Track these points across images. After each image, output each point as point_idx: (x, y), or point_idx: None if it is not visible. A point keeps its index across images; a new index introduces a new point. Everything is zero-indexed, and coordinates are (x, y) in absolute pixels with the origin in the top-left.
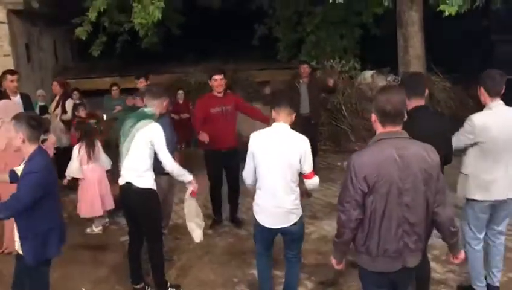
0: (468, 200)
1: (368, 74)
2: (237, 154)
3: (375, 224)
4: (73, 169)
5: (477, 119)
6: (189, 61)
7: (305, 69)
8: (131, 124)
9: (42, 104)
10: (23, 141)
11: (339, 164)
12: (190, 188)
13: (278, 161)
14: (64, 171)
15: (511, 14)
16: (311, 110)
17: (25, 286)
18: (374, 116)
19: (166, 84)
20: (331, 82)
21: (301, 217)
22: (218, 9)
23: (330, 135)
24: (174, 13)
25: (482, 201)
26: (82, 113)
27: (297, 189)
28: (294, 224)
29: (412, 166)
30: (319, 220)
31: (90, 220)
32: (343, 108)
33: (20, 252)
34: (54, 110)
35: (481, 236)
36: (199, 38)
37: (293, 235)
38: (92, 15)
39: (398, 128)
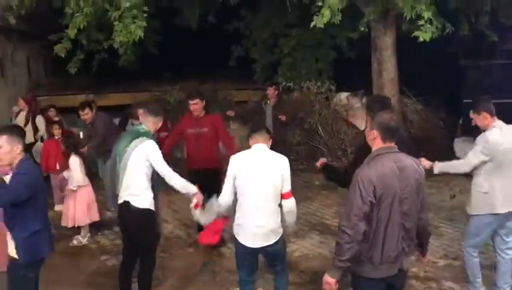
0: (481, 216)
1: (343, 95)
2: (215, 175)
3: (379, 233)
4: (79, 179)
5: (491, 137)
6: (166, 80)
7: (270, 91)
8: (126, 144)
9: None
10: (20, 152)
11: (316, 183)
12: (194, 200)
13: (261, 182)
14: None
15: (478, 40)
16: (275, 131)
17: None
18: (375, 133)
19: (145, 102)
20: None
21: (282, 237)
22: (196, 30)
23: (307, 154)
24: (153, 33)
25: (501, 214)
26: (56, 131)
27: (279, 208)
28: (276, 243)
29: (409, 177)
30: (300, 238)
31: (76, 231)
32: (320, 128)
33: (15, 255)
34: (25, 127)
35: (479, 245)
36: (176, 57)
37: (274, 255)
38: (72, 32)
39: (393, 143)
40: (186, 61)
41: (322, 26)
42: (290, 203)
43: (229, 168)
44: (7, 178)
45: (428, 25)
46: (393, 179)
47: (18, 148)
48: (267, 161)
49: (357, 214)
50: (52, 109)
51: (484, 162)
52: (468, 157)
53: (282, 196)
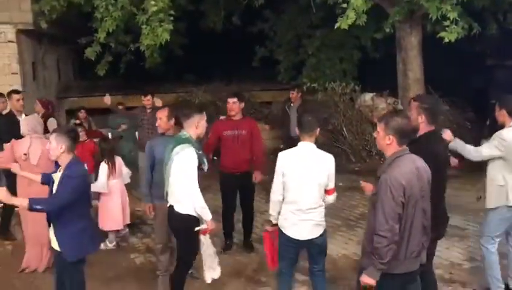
0: (498, 209)
1: (368, 96)
2: (251, 178)
3: (405, 231)
4: (102, 186)
5: (506, 135)
6: (190, 81)
7: (293, 94)
8: (171, 149)
9: None
10: (64, 151)
11: (340, 184)
12: (204, 226)
13: (307, 179)
14: None
15: (506, 39)
16: None
17: (65, 283)
18: (391, 138)
19: (171, 103)
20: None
21: (325, 230)
22: (220, 32)
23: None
24: (178, 35)
25: None
26: (80, 134)
27: (323, 203)
28: (321, 235)
29: (423, 176)
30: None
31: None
32: (344, 129)
33: (58, 248)
34: None
35: (497, 239)
36: (201, 59)
37: (319, 247)
38: (101, 35)
39: (405, 146)
40: (209, 63)
41: (346, 27)
42: (332, 198)
43: (277, 165)
44: (57, 176)
45: (454, 26)
46: (414, 178)
47: (62, 147)
48: (313, 160)
49: (392, 217)
50: (82, 111)
51: (498, 158)
52: (481, 147)
53: (327, 192)
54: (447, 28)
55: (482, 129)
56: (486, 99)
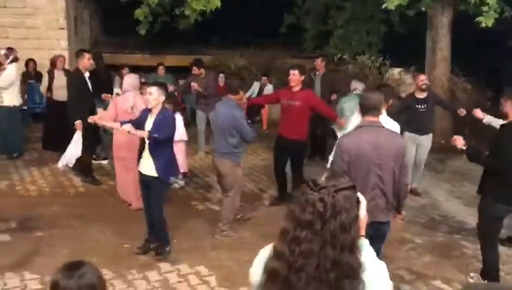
0: None
1: (396, 70)
2: (301, 147)
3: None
4: (183, 132)
5: None
6: (217, 45)
7: (318, 62)
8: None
9: None
10: (161, 101)
11: None
12: None
13: None
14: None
15: None
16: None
17: (150, 199)
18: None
19: (208, 65)
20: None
21: None
22: None
23: None
24: None
25: None
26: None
27: None
28: None
29: (383, 147)
30: None
31: None
32: None
33: (152, 174)
34: None
35: None
36: (227, 22)
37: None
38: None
39: (376, 118)
40: (235, 26)
41: (393, 8)
42: None
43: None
44: (150, 119)
45: (492, 12)
46: (366, 146)
47: (161, 98)
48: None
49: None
50: (126, 68)
51: None
52: None
53: None
54: (484, 13)
55: (498, 108)
56: (502, 80)
